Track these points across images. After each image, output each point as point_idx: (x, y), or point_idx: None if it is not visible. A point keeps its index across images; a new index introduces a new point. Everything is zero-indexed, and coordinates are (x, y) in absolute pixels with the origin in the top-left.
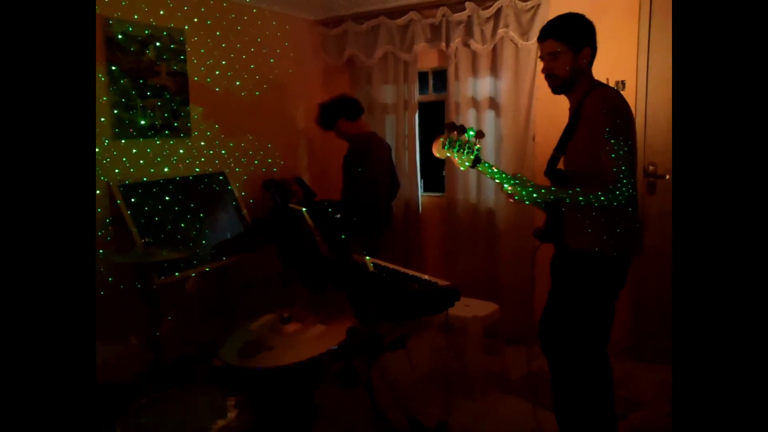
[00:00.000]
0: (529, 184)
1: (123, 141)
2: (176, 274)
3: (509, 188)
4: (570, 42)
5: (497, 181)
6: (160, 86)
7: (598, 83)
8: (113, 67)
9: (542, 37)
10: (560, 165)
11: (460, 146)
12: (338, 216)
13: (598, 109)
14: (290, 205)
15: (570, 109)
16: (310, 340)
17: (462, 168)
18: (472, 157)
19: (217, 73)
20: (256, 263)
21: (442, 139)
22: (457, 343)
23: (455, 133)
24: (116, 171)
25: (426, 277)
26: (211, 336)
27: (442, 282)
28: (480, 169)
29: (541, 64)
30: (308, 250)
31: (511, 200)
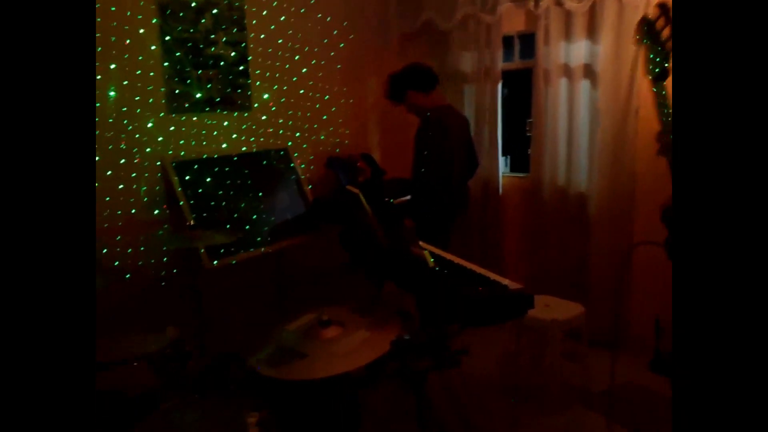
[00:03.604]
0: None
1: (178, 115)
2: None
3: None
4: None
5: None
6: (217, 57)
7: None
8: (167, 38)
9: None
10: None
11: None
12: (407, 198)
13: None
14: (347, 187)
15: None
16: (348, 350)
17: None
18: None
19: (279, 41)
20: (317, 249)
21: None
22: (532, 349)
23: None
24: (170, 147)
25: (495, 277)
26: (254, 333)
27: (513, 285)
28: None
29: None
30: (366, 237)
31: None
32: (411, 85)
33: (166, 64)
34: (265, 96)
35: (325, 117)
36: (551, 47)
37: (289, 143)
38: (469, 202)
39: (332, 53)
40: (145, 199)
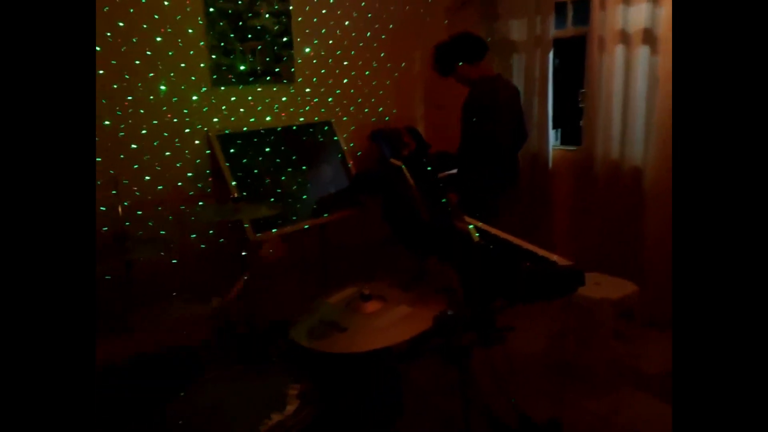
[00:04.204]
0: None
1: (222, 88)
2: (273, 230)
3: None
4: None
5: None
6: (260, 28)
7: None
8: (211, 9)
9: None
10: None
11: None
12: (452, 171)
13: None
14: (391, 160)
15: None
16: (389, 324)
17: None
18: None
19: (323, 12)
20: (360, 223)
21: None
22: (581, 327)
23: None
24: (215, 120)
25: (543, 253)
26: (297, 306)
27: (562, 261)
28: None
29: None
30: (408, 211)
31: None
32: (459, 56)
33: (210, 36)
34: (308, 51)
35: (369, 89)
36: (608, 12)
37: (335, 108)
38: (518, 175)
39: (377, 24)
40: (190, 173)
